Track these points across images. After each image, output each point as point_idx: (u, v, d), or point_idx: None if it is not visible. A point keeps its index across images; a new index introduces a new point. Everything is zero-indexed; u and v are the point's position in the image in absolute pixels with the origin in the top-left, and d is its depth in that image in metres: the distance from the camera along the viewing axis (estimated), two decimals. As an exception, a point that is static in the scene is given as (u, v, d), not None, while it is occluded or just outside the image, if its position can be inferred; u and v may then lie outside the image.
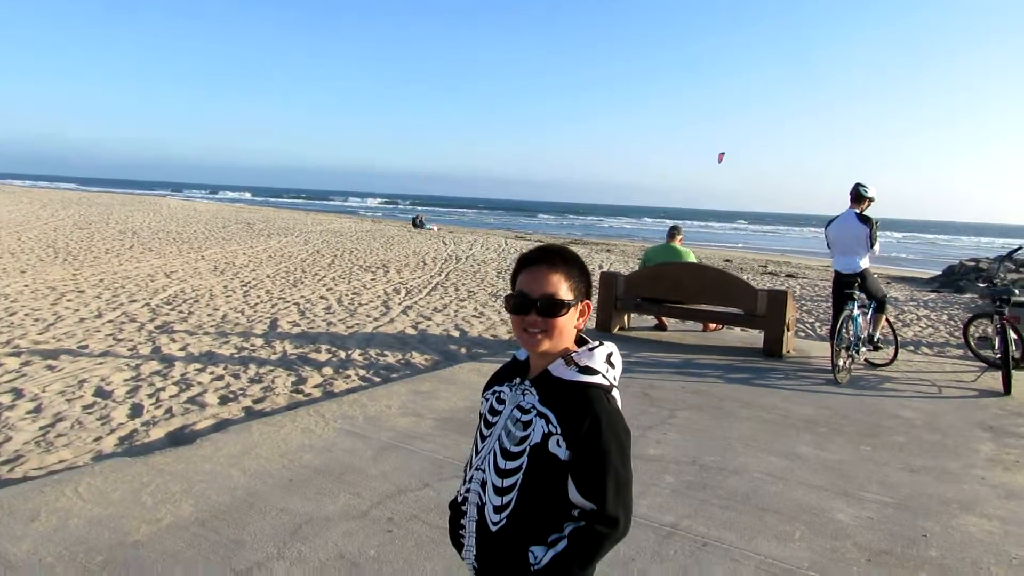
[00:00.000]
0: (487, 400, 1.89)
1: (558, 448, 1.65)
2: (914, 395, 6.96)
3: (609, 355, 1.76)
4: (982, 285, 8.17)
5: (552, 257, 1.75)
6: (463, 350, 8.57)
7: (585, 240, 37.09)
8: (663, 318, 9.70)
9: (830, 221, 7.77)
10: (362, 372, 7.22)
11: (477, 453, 1.82)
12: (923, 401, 6.75)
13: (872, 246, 7.48)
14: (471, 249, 23.30)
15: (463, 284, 14.59)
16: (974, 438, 5.70)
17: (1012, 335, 7.25)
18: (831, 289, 7.92)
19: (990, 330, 7.84)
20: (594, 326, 9.44)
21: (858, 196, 7.58)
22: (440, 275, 15.96)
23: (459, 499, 1.85)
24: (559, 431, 1.66)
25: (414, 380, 6.51)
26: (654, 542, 3.63)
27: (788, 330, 8.40)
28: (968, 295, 17.90)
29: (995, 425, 6.08)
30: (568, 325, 1.72)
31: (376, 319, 10.24)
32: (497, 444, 1.75)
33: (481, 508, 1.74)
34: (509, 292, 1.82)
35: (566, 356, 1.72)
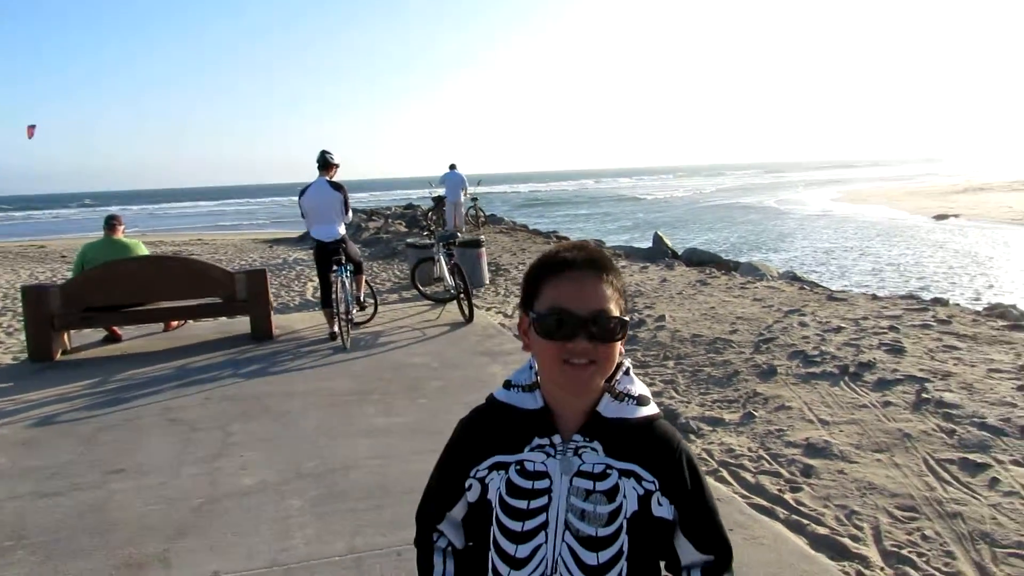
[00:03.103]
0: (490, 480, 1.27)
1: (661, 508, 1.23)
2: (410, 342, 7.56)
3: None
4: (426, 233, 9.30)
5: (599, 259, 1.25)
6: None
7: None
8: (115, 328, 8.14)
9: (303, 191, 7.63)
10: None
11: (519, 563, 1.22)
12: (421, 345, 7.39)
13: (347, 212, 7.67)
14: None
15: None
16: (483, 364, 6.56)
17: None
18: (314, 258, 7.86)
19: (436, 270, 9.01)
20: (27, 356, 7.34)
21: (326, 163, 7.61)
22: None
23: None
24: (657, 487, 1.23)
25: None
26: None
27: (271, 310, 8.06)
28: (357, 244, 20.17)
29: (484, 350, 7.09)
30: (618, 353, 1.25)
31: None
32: (569, 535, 1.21)
33: None
34: (529, 303, 1.26)
35: (610, 389, 1.27)
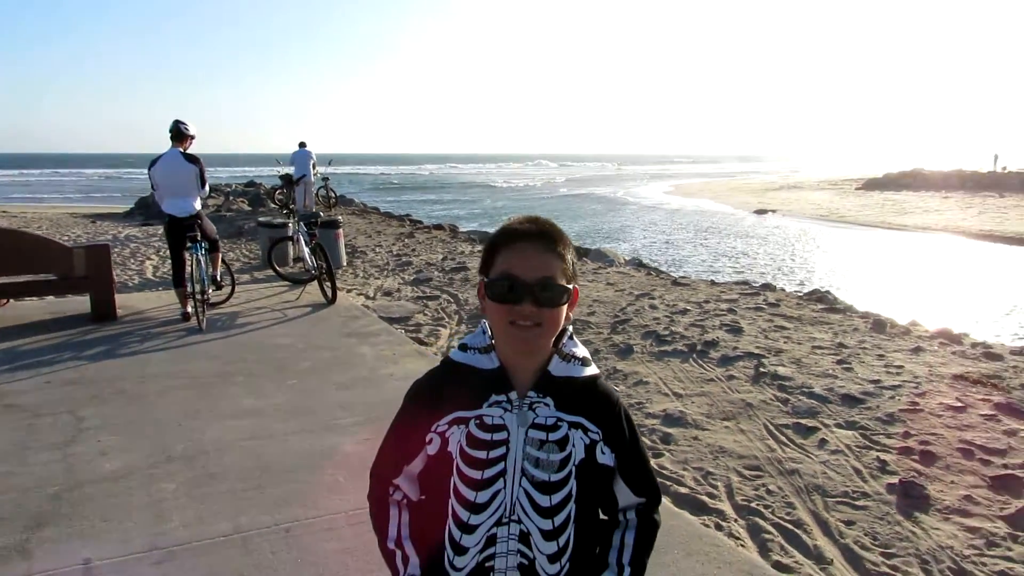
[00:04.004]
0: (451, 434, 1.37)
1: (604, 456, 1.39)
2: (271, 323, 7.32)
3: None
4: (285, 212, 8.97)
5: (549, 232, 1.36)
6: None
7: None
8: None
9: (153, 162, 7.12)
10: None
11: (479, 508, 1.34)
12: (283, 326, 7.19)
13: (204, 186, 7.26)
14: None
15: None
16: (351, 345, 6.50)
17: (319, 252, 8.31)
18: (166, 235, 7.37)
19: (296, 251, 8.74)
20: None
21: (180, 134, 7.14)
22: None
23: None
24: (601, 437, 1.38)
25: None
26: (241, 555, 3.05)
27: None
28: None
29: (350, 331, 7.02)
30: (562, 318, 1.38)
31: None
32: (525, 481, 1.34)
33: (529, 567, 1.34)
34: (485, 271, 1.37)
35: (558, 352, 1.40)
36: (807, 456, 4.15)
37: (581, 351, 1.43)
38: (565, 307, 1.37)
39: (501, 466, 1.34)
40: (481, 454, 1.34)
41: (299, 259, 9.33)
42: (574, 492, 1.36)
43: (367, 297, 9.00)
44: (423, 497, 1.47)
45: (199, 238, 7.12)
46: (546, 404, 1.36)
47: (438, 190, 57.81)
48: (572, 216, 32.79)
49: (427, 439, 1.39)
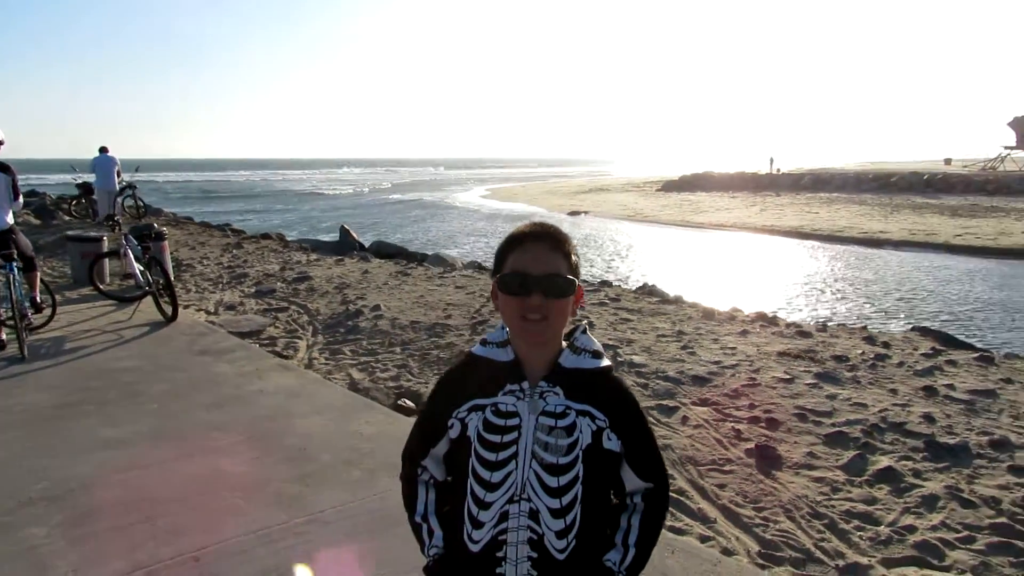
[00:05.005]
0: (469, 419, 1.51)
1: (610, 442, 1.52)
2: (107, 345, 6.74)
3: None
4: (109, 224, 8.21)
5: (553, 233, 1.52)
6: None
7: None
8: None
9: (-45, 171, 6.29)
10: None
11: (493, 487, 1.48)
12: (122, 348, 6.65)
13: (17, 198, 6.51)
14: None
15: None
16: (206, 363, 6.17)
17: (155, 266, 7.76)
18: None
19: (124, 266, 8.07)
20: None
21: (-13, 141, 6.37)
22: None
23: (471, 549, 1.48)
24: (608, 424, 1.52)
25: None
26: (153, 592, 2.89)
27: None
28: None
29: (202, 349, 6.65)
30: (568, 310, 1.52)
31: None
32: (535, 463, 1.48)
33: (539, 542, 1.47)
34: (498, 274, 1.51)
35: (571, 345, 1.56)
36: (674, 432, 4.61)
37: (594, 345, 1.56)
38: (571, 300, 1.50)
39: (513, 449, 1.47)
40: (496, 438, 1.48)
41: (127, 275, 8.61)
42: (581, 475, 1.48)
43: (208, 312, 8.51)
44: (449, 478, 1.60)
45: (14, 256, 6.40)
46: (556, 393, 1.50)
47: (252, 199, 55.04)
48: (398, 223, 32.70)
49: (449, 424, 1.52)
